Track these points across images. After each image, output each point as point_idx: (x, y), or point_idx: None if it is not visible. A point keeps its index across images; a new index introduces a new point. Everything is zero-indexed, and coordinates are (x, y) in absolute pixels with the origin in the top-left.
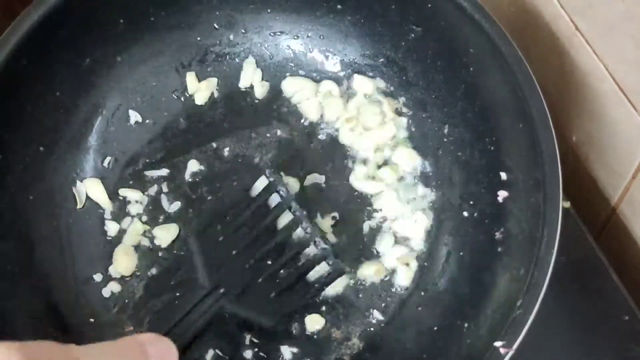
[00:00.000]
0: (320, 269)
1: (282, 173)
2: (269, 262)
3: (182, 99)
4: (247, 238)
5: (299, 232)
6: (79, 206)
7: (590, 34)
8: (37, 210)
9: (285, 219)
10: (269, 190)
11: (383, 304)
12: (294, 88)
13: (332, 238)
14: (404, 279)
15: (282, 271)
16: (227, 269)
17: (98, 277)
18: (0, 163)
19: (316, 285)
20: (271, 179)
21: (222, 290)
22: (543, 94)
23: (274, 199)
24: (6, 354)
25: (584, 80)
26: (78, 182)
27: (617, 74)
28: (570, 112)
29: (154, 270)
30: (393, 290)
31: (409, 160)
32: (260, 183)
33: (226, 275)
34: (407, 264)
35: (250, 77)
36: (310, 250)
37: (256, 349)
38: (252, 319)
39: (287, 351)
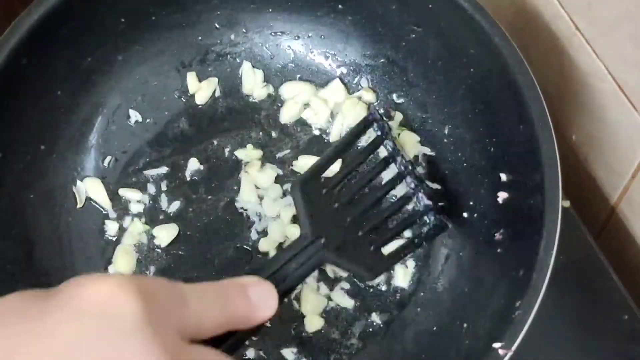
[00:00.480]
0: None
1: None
2: (370, 216)
3: (183, 98)
4: (349, 191)
5: (402, 187)
6: (78, 206)
7: (590, 34)
8: (37, 209)
9: (390, 173)
10: (375, 142)
11: (382, 305)
12: (293, 92)
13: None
14: (402, 280)
15: (383, 225)
16: (328, 221)
17: None
18: (0, 162)
19: (416, 240)
20: (378, 132)
21: (323, 241)
22: (543, 94)
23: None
24: (119, 286)
25: (584, 80)
26: (78, 182)
27: (617, 74)
28: (570, 112)
29: (152, 270)
30: (392, 291)
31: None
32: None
33: (328, 226)
34: (405, 265)
35: (253, 82)
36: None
37: (256, 349)
38: (353, 270)
39: (286, 351)
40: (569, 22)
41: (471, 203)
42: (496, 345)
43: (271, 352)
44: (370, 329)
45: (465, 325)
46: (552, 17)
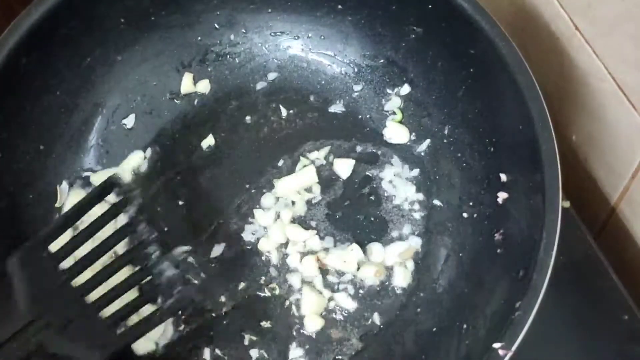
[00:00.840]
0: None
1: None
2: (105, 290)
3: (183, 98)
4: (81, 263)
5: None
6: (57, 205)
7: (590, 34)
8: (36, 209)
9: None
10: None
11: (382, 305)
12: None
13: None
14: (401, 280)
15: (120, 298)
16: (54, 297)
17: None
18: (0, 162)
19: (157, 314)
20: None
21: (41, 323)
22: (543, 94)
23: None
24: None
25: (584, 80)
26: (64, 182)
27: (617, 74)
28: (570, 112)
29: None
30: (392, 291)
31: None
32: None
33: (52, 303)
34: (405, 266)
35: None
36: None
37: (256, 349)
38: (76, 354)
39: (287, 351)
40: (568, 22)
41: (471, 203)
42: (496, 345)
43: (272, 352)
44: (371, 330)
45: (465, 325)
46: (552, 17)
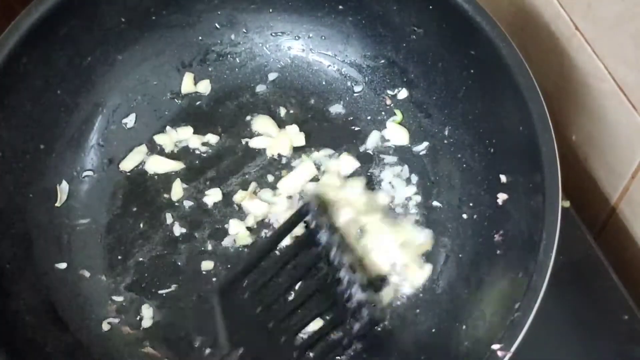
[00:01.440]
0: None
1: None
2: (294, 319)
3: (183, 98)
4: (274, 293)
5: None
6: (57, 204)
7: (590, 34)
8: (36, 208)
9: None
10: (305, 238)
11: (381, 306)
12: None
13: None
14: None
15: (306, 330)
16: (249, 327)
17: (97, 275)
18: (0, 161)
19: (345, 340)
20: (312, 224)
21: (240, 352)
22: (543, 94)
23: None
24: None
25: (584, 80)
26: (64, 182)
27: (617, 74)
28: (570, 112)
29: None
30: (391, 291)
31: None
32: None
33: (248, 334)
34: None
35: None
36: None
37: None
38: None
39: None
40: (569, 22)
41: (471, 204)
42: (495, 346)
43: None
44: (370, 330)
45: (464, 326)
46: (552, 17)
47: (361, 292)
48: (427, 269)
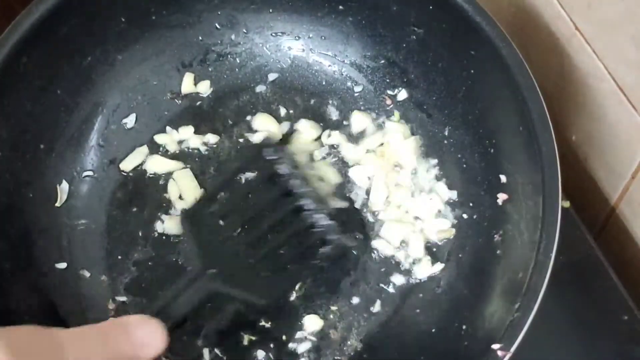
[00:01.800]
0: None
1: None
2: (266, 242)
3: (183, 98)
4: (243, 217)
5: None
6: (57, 204)
7: (590, 34)
8: (36, 208)
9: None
10: (270, 167)
11: (381, 306)
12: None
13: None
14: (424, 270)
15: (280, 250)
16: (219, 250)
17: (97, 275)
18: (0, 161)
19: (316, 261)
20: (273, 156)
21: (213, 271)
22: (543, 94)
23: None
24: None
25: (584, 80)
26: (64, 181)
27: (617, 74)
28: (570, 112)
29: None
30: (391, 291)
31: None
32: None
33: (218, 256)
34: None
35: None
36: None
37: (256, 349)
38: (245, 298)
39: (286, 351)
40: (568, 22)
41: (471, 204)
42: (495, 346)
43: (272, 352)
44: (370, 330)
45: (464, 326)
46: (552, 17)
47: (328, 219)
48: (437, 266)
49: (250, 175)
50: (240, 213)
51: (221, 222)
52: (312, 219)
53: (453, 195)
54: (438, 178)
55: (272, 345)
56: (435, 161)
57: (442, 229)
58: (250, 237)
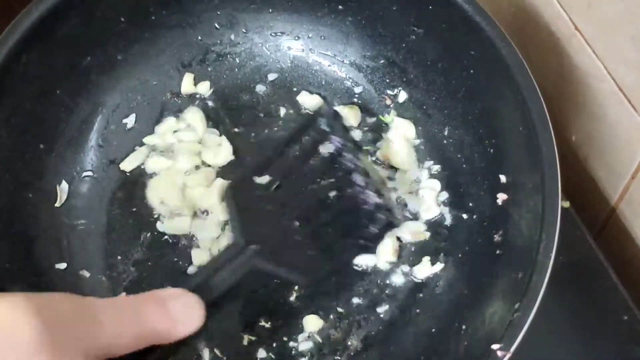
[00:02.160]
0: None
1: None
2: (313, 219)
3: (183, 98)
4: (287, 194)
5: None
6: (57, 204)
7: (590, 34)
8: (36, 208)
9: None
10: (316, 137)
11: (381, 306)
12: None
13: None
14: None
15: (328, 228)
16: (262, 225)
17: (97, 275)
18: (0, 161)
19: (361, 241)
20: (322, 125)
21: (254, 248)
22: (543, 94)
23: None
24: (17, 308)
25: (584, 80)
26: (63, 182)
27: (617, 74)
28: (570, 112)
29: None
30: (391, 291)
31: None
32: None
33: (262, 232)
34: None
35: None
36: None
37: (255, 349)
38: (286, 276)
39: (285, 351)
40: (568, 22)
41: (470, 204)
42: (495, 346)
43: (272, 353)
44: (370, 330)
45: (464, 326)
46: (552, 17)
47: (376, 197)
48: (437, 266)
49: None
50: (288, 187)
51: (262, 195)
52: (363, 196)
53: (444, 195)
54: (435, 177)
55: (272, 346)
56: (432, 161)
57: (416, 230)
58: (297, 212)
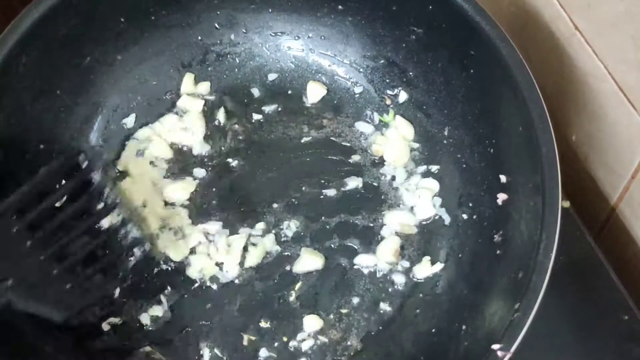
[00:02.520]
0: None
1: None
2: (70, 254)
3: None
4: (48, 228)
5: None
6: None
7: (590, 34)
8: None
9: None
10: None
11: (381, 306)
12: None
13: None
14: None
15: (83, 263)
16: (18, 260)
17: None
18: (0, 161)
19: (120, 274)
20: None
21: (9, 283)
22: (543, 94)
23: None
24: None
25: (584, 80)
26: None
27: (617, 74)
28: (570, 112)
29: None
30: (391, 291)
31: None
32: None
33: (16, 266)
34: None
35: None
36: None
37: (255, 349)
38: (42, 313)
39: (285, 351)
40: (568, 22)
41: (470, 204)
42: (495, 346)
43: (271, 353)
44: (370, 331)
45: (464, 326)
46: (552, 17)
47: (136, 231)
48: (437, 266)
49: None
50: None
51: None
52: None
53: (444, 195)
54: (435, 177)
55: (272, 345)
56: (431, 162)
57: (405, 222)
58: (53, 248)
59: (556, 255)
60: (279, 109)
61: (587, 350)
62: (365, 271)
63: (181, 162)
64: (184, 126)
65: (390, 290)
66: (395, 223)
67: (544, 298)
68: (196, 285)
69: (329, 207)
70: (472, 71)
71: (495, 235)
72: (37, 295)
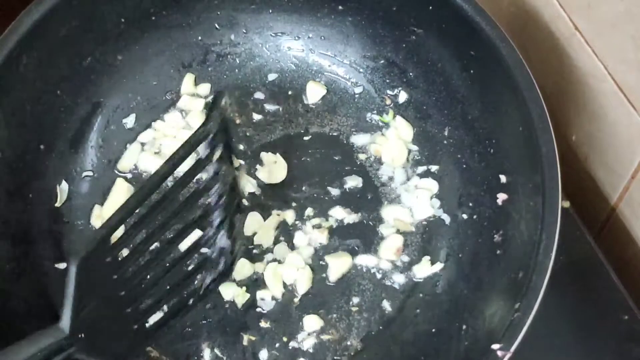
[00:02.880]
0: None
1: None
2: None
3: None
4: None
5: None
6: (57, 204)
7: (590, 34)
8: (36, 208)
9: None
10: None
11: (381, 306)
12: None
13: None
14: (424, 270)
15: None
16: (101, 307)
17: None
18: (0, 161)
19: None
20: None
21: (81, 341)
22: (543, 94)
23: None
24: None
25: (584, 80)
26: (63, 182)
27: (617, 74)
28: (570, 112)
29: None
30: (392, 291)
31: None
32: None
33: (97, 316)
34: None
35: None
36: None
37: (255, 349)
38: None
39: (285, 351)
40: (568, 22)
41: (470, 204)
42: (495, 346)
43: (271, 352)
44: (370, 330)
45: (464, 326)
46: (552, 17)
47: (226, 239)
48: (437, 266)
49: None
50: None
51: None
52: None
53: (443, 195)
54: (434, 177)
55: (272, 345)
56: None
57: (402, 219)
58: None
59: (556, 255)
60: (279, 109)
61: (587, 350)
62: (365, 271)
63: None
64: (186, 125)
65: (390, 290)
66: (394, 221)
67: (544, 298)
68: None
69: (329, 207)
70: (472, 71)
71: (495, 235)
72: (101, 351)
